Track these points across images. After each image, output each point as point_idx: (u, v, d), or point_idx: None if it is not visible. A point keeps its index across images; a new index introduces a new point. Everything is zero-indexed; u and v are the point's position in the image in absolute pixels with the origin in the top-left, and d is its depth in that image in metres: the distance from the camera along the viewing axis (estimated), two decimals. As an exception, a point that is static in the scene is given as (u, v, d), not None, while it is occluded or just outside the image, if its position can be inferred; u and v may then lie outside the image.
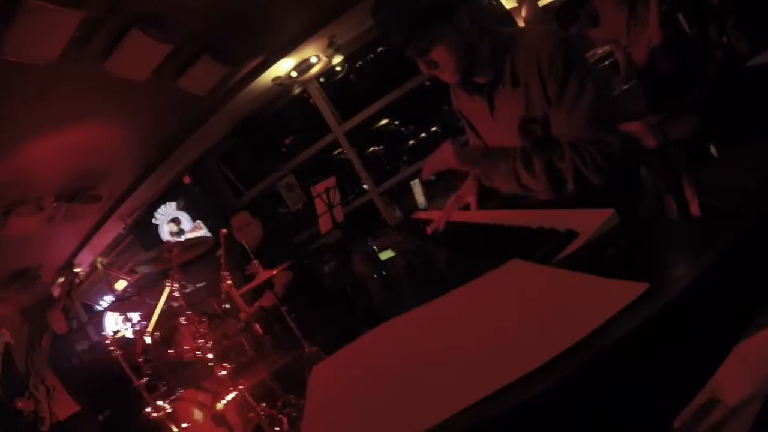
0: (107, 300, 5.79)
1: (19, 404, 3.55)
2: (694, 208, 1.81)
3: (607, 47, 3.77)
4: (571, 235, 0.90)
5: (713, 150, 2.51)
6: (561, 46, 1.29)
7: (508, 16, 4.41)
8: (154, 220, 5.82)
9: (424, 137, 6.75)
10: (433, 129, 6.66)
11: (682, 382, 0.53)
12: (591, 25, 3.40)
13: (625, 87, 3.14)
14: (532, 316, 0.62)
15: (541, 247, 0.92)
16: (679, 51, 2.90)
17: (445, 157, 1.51)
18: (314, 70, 4.93)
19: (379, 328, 0.82)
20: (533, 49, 1.33)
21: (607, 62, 3.98)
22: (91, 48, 2.85)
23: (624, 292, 0.56)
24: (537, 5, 4.38)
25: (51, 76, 2.84)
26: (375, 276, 1.42)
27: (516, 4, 4.42)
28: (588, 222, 0.91)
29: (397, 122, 7.11)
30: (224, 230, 3.26)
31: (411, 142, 7.01)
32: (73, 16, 2.47)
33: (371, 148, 6.90)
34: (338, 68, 5.40)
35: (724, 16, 2.84)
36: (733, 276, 0.57)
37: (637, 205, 1.42)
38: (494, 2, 4.44)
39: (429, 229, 1.66)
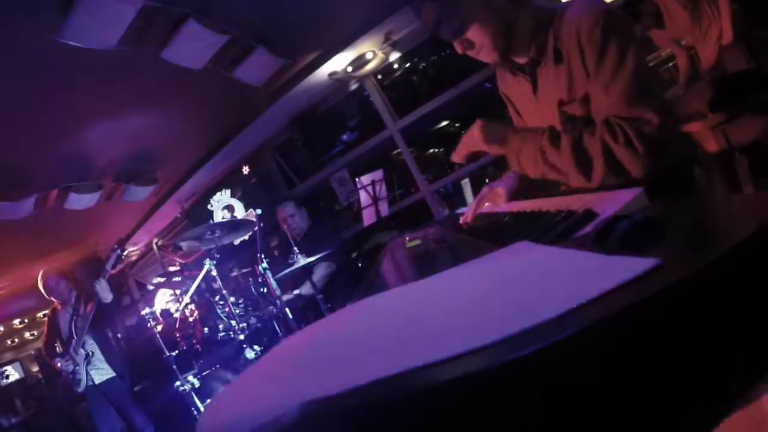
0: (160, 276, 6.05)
1: (59, 365, 3.76)
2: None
3: (669, 50, 3.54)
4: (589, 215, 0.80)
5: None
6: (602, 15, 1.19)
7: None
8: (209, 206, 6.03)
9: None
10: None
11: (705, 387, 0.42)
12: (654, 24, 3.20)
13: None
14: (513, 288, 0.54)
15: (554, 228, 0.83)
16: (752, 50, 2.65)
17: (472, 136, 1.41)
18: (370, 66, 4.92)
19: (362, 301, 0.76)
20: (574, 20, 1.24)
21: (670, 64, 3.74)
22: (148, 36, 2.95)
23: (627, 267, 0.47)
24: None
25: (110, 62, 2.98)
26: (387, 259, 1.36)
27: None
28: (615, 203, 0.82)
29: (457, 125, 7.02)
30: (258, 210, 3.29)
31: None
32: (132, 5, 2.57)
33: (431, 150, 6.83)
34: (395, 66, 5.37)
35: None
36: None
37: None
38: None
39: (460, 221, 1.62)
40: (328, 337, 0.59)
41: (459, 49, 1.37)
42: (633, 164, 1.15)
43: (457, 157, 1.53)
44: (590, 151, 1.19)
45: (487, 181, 3.67)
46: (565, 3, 1.34)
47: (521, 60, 1.41)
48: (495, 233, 1.11)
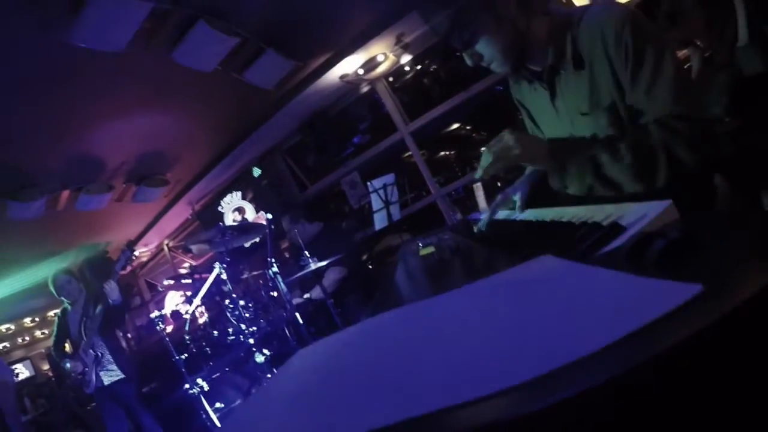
0: (170, 278, 6.08)
1: (68, 365, 3.77)
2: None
3: (684, 51, 3.47)
4: (616, 229, 0.77)
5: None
6: (627, 19, 1.13)
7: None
8: (219, 208, 6.04)
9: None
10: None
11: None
12: (669, 26, 3.14)
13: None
14: (547, 314, 0.50)
15: (580, 242, 0.80)
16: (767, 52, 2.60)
17: (508, 148, 1.24)
18: (381, 69, 4.90)
19: (381, 316, 0.73)
20: (597, 25, 1.18)
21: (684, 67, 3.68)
22: (159, 38, 2.95)
23: (668, 294, 0.43)
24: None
25: (121, 64, 2.98)
26: (400, 267, 1.33)
27: (588, 1, 4.20)
28: (644, 216, 0.78)
29: (468, 127, 6.98)
30: (269, 215, 3.27)
31: (483, 148, 6.83)
32: (142, 7, 2.56)
33: (442, 152, 6.81)
34: (407, 68, 5.34)
35: None
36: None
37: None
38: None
39: (474, 227, 1.58)
40: (349, 363, 0.56)
41: (469, 61, 1.33)
42: (693, 160, 1.10)
43: (488, 172, 1.40)
44: (655, 156, 1.12)
45: (498, 185, 3.62)
46: (581, 7, 1.29)
47: (537, 67, 1.36)
48: (514, 243, 1.07)
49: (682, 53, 3.74)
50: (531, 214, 1.38)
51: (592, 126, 1.29)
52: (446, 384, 0.39)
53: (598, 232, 0.79)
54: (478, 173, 1.33)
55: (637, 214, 0.80)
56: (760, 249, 0.54)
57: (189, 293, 3.78)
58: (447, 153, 7.00)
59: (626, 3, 4.05)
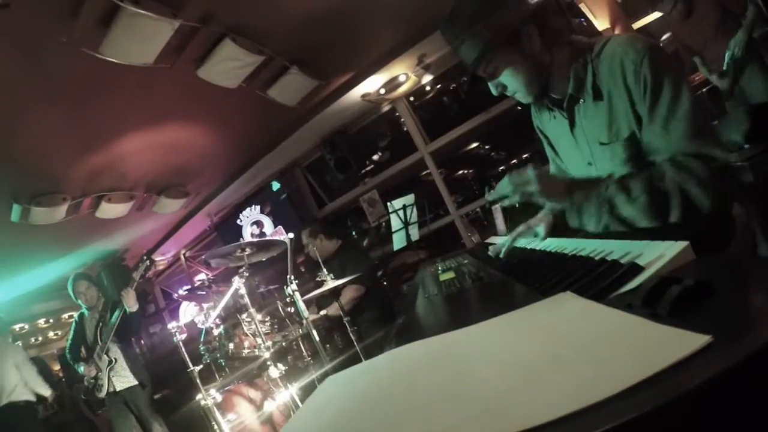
0: (185, 290, 6.14)
1: (82, 369, 3.83)
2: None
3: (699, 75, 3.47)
4: (635, 269, 0.79)
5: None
6: (647, 53, 1.16)
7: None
8: (238, 221, 6.11)
9: (514, 163, 6.61)
10: (525, 156, 6.49)
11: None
12: (683, 14, 3.14)
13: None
14: (562, 356, 0.53)
15: (599, 280, 0.82)
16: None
17: (527, 182, 1.27)
18: (403, 89, 4.96)
19: (403, 348, 0.76)
20: (617, 57, 1.21)
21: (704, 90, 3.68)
22: (185, 55, 3.04)
23: (678, 343, 0.45)
24: (631, 27, 4.19)
25: (147, 78, 3.07)
26: (420, 292, 1.35)
27: (608, 26, 4.24)
28: (660, 255, 0.80)
29: (487, 147, 7.00)
30: (290, 234, 3.30)
31: (501, 167, 6.86)
32: (169, 24, 2.64)
33: (460, 171, 6.83)
34: (428, 88, 5.40)
35: None
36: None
37: (727, 246, 1.23)
38: (585, 23, 4.25)
39: (491, 253, 1.60)
40: (371, 400, 0.59)
41: (494, 91, 1.38)
42: (707, 201, 1.12)
43: (502, 200, 1.44)
44: (668, 197, 1.15)
45: (516, 206, 3.58)
46: (601, 38, 1.31)
47: (558, 95, 1.39)
48: (534, 275, 1.09)
49: (700, 76, 3.74)
50: (552, 244, 1.39)
51: (610, 156, 1.31)
52: (467, 421, 0.42)
53: (616, 270, 0.82)
54: (491, 196, 1.38)
55: (655, 254, 0.82)
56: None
57: (205, 305, 3.83)
58: (465, 171, 7.02)
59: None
